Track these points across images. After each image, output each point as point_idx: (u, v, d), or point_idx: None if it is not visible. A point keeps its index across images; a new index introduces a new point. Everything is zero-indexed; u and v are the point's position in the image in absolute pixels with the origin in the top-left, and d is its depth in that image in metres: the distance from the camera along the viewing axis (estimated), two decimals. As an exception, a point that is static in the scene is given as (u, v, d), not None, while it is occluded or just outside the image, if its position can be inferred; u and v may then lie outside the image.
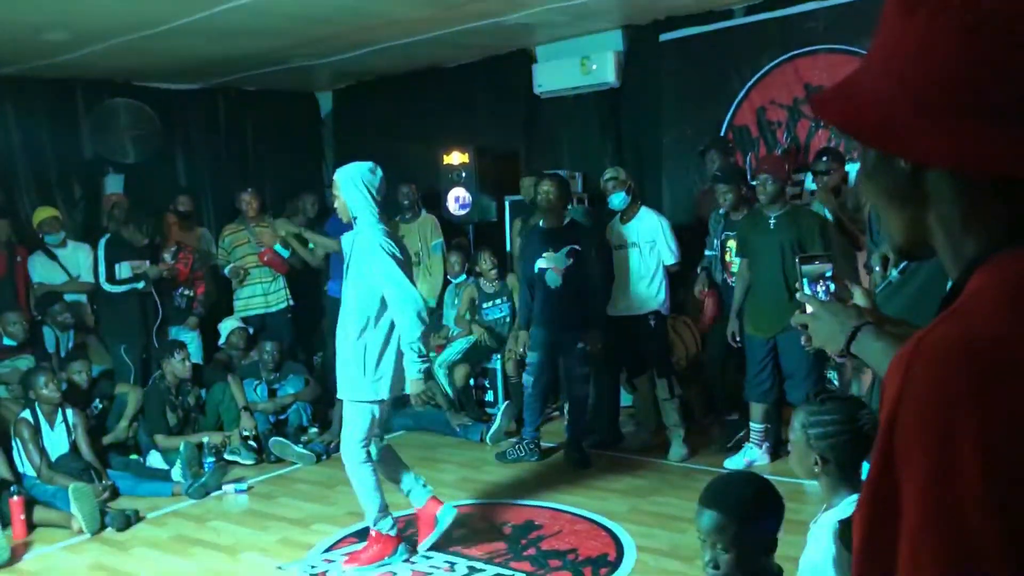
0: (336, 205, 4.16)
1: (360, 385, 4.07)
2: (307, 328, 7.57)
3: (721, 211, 5.63)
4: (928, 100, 0.77)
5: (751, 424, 5.31)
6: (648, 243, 5.61)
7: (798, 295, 1.71)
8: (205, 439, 5.87)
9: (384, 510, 4.20)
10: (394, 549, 4.24)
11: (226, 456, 5.93)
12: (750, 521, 2.13)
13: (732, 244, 5.58)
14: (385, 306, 4.00)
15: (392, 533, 4.23)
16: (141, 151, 7.35)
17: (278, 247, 6.97)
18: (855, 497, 2.05)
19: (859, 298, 1.69)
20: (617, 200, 5.63)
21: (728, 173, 5.58)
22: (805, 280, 1.72)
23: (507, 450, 5.78)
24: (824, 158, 5.42)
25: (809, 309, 1.67)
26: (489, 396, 6.81)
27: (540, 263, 5.46)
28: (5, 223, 6.68)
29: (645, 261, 5.60)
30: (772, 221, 5.04)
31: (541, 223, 5.63)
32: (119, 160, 7.38)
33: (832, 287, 1.71)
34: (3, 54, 6.28)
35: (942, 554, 0.71)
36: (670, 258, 5.64)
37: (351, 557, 4.28)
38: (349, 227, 4.21)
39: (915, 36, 0.79)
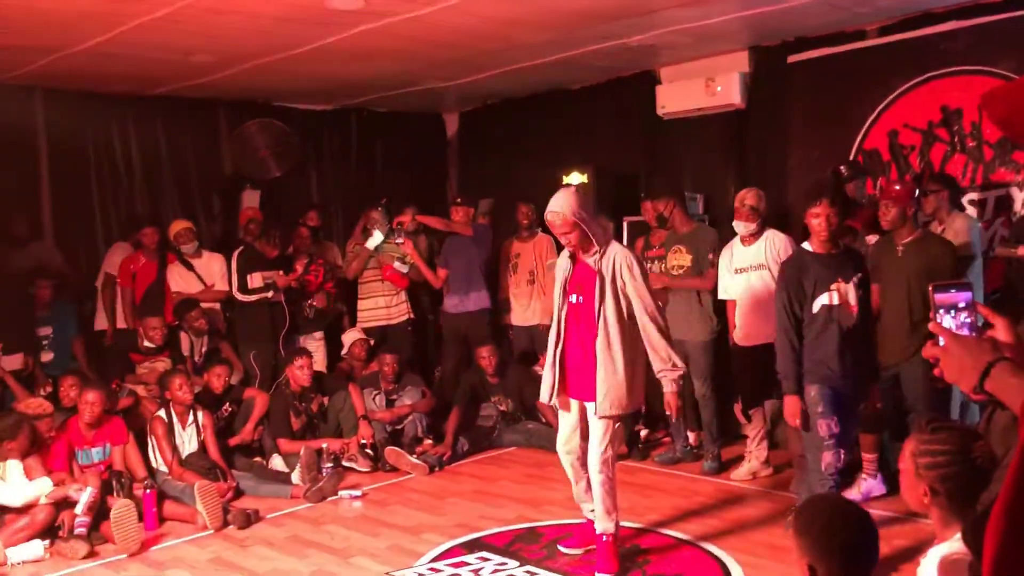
0: (566, 240, 4.14)
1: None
2: (427, 342, 7.74)
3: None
4: None
5: (863, 455, 5.12)
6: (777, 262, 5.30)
7: (930, 325, 1.56)
8: (324, 445, 6.08)
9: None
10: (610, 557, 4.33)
11: (344, 463, 6.13)
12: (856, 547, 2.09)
13: None
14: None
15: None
16: (281, 166, 7.69)
17: (397, 263, 7.17)
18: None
19: (1001, 331, 1.52)
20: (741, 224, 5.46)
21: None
22: (940, 310, 1.56)
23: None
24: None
25: (942, 341, 1.52)
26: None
27: (824, 299, 4.27)
28: (155, 231, 7.08)
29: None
30: (900, 248, 4.88)
31: (808, 247, 4.41)
32: (260, 177, 7.73)
33: (969, 318, 1.55)
34: (155, 75, 6.72)
35: None
36: None
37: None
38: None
39: None
